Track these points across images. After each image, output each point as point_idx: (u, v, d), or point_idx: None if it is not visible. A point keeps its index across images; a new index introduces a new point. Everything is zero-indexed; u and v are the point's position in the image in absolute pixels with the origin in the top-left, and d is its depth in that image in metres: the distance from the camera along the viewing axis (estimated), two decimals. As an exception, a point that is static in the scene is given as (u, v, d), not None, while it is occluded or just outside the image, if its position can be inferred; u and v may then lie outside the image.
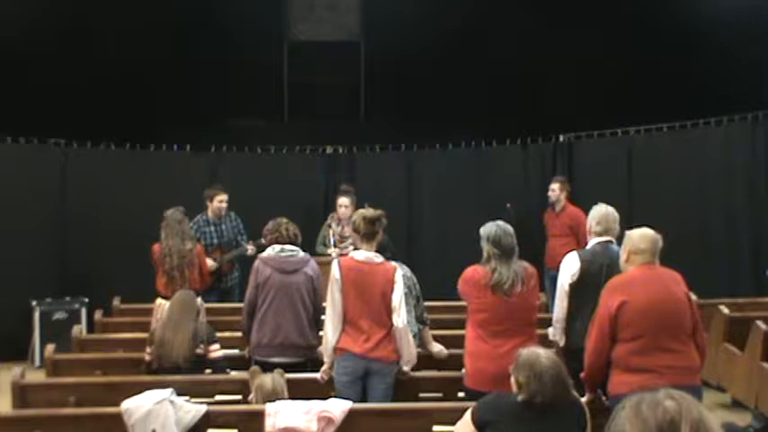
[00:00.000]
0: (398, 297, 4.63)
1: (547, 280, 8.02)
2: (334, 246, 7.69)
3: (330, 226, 7.89)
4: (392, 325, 4.61)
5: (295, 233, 5.43)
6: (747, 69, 8.44)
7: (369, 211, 4.80)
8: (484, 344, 4.40)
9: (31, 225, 8.40)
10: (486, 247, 4.49)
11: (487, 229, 4.54)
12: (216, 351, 5.20)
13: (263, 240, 5.68)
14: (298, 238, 5.45)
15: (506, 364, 4.17)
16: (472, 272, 4.50)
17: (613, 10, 9.42)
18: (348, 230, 7.78)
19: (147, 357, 5.15)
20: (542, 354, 3.38)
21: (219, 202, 7.59)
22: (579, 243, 7.26)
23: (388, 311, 4.61)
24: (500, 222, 4.59)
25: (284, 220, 5.46)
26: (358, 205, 5.25)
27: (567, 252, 4.97)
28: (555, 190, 8.35)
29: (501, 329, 4.38)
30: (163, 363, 5.03)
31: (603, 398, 4.15)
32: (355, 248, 4.80)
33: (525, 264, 4.53)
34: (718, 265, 8.20)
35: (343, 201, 7.82)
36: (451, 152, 9.57)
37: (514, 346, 4.26)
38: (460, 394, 4.56)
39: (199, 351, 5.08)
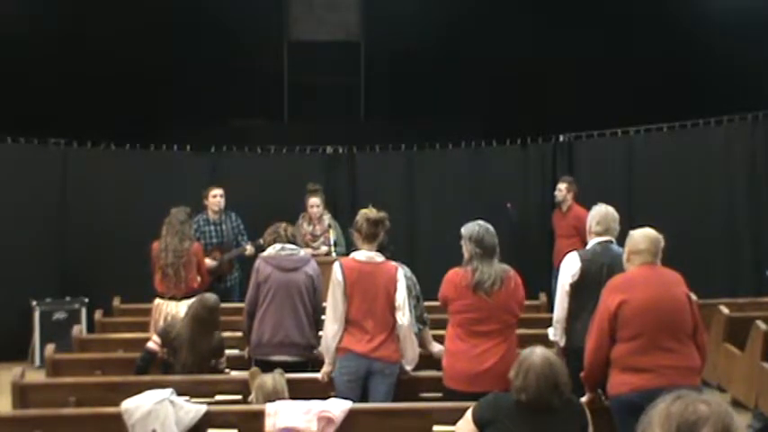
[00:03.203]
0: (402, 295, 4.63)
1: (554, 280, 8.00)
2: (319, 239, 7.72)
3: (303, 225, 7.91)
4: (396, 324, 4.61)
5: (293, 234, 5.46)
6: (747, 69, 8.43)
7: (372, 213, 4.75)
8: (461, 343, 4.42)
9: (31, 225, 8.39)
10: (468, 247, 4.49)
11: (469, 228, 4.54)
12: (224, 363, 5.23)
13: (261, 241, 5.70)
14: (296, 239, 5.47)
15: (481, 363, 4.20)
16: (452, 274, 4.51)
17: (613, 10, 9.41)
18: (319, 229, 7.81)
19: (154, 347, 5.10)
20: (539, 353, 3.34)
21: (213, 196, 7.61)
22: (584, 243, 7.25)
23: (392, 311, 4.61)
24: (481, 222, 4.59)
25: (283, 224, 5.50)
26: (360, 205, 5.24)
27: (574, 252, 4.97)
28: (562, 190, 8.31)
29: (480, 330, 4.38)
30: (173, 371, 5.00)
31: (603, 397, 4.16)
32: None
33: (506, 266, 4.53)
34: (718, 265, 8.18)
35: (314, 201, 7.85)
36: (451, 152, 9.55)
37: (492, 347, 4.30)
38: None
39: (211, 362, 5.11)
